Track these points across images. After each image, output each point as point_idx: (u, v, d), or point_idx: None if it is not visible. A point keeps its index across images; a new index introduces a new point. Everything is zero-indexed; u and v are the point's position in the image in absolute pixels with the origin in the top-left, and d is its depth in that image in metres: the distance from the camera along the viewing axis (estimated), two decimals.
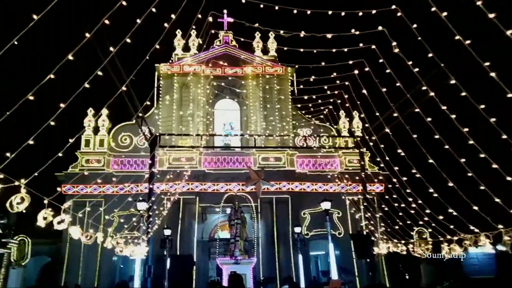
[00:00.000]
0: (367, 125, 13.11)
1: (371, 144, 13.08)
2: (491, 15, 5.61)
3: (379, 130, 12.59)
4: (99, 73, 5.97)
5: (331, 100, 17.22)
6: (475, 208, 8.53)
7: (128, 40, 6.15)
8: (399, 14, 7.05)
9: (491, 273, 18.69)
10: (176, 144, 21.63)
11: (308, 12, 8.09)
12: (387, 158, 12.16)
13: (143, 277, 14.47)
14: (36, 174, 5.26)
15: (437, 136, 8.38)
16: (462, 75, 6.94)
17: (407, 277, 23.69)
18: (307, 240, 22.15)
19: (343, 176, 22.34)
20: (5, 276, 20.58)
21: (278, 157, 23.01)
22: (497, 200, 7.46)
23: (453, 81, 6.80)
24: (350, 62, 10.51)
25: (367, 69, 10.08)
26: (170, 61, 24.60)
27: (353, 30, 8.74)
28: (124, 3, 5.58)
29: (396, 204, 13.28)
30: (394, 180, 12.40)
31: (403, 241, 13.94)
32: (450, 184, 9.33)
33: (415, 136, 9.58)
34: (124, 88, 8.00)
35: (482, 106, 6.54)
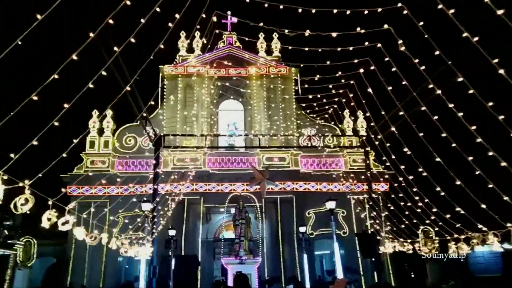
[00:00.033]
0: (372, 124, 13.02)
1: (376, 143, 12.96)
2: (500, 12, 5.52)
3: (384, 129, 12.51)
4: (103, 73, 5.95)
5: (336, 99, 17.12)
6: (483, 206, 8.43)
7: (133, 40, 6.12)
8: (405, 12, 6.97)
9: (498, 272, 18.53)
10: (180, 145, 21.65)
11: (313, 10, 8.02)
12: (393, 157, 12.06)
13: (148, 278, 14.48)
14: (40, 175, 5.24)
15: (444, 135, 8.29)
16: (470, 73, 6.85)
17: (412, 276, 23.58)
18: (312, 240, 22.10)
19: (349, 176, 22.25)
20: (11, 277, 20.70)
21: (282, 157, 22.97)
22: (505, 198, 7.36)
23: (460, 79, 6.71)
24: (356, 61, 10.43)
25: (372, 67, 10.00)
26: (174, 62, 24.65)
27: (358, 29, 8.66)
28: (128, 2, 5.56)
29: (402, 203, 13.17)
30: (400, 178, 12.29)
31: (409, 240, 13.84)
32: (457, 182, 9.24)
33: (421, 134, 9.47)
34: (128, 88, 7.96)
35: (490, 104, 6.45)
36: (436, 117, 8.44)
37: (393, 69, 8.75)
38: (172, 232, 18.79)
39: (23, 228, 21.31)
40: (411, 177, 11.57)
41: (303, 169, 23.15)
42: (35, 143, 4.97)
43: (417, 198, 11.85)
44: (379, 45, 9.07)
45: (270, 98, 24.14)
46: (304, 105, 20.79)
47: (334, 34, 8.76)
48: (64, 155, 5.87)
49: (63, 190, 6.47)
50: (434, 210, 11.68)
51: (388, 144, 12.20)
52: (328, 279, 22.59)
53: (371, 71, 10.29)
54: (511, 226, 7.98)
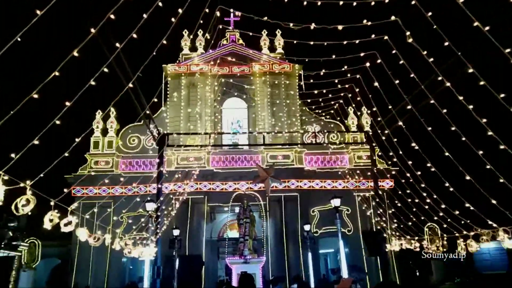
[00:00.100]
0: (379, 118, 12.82)
1: (383, 138, 12.76)
2: None
3: (390, 124, 12.34)
4: (105, 69, 5.85)
5: (342, 94, 16.93)
6: (494, 202, 8.26)
7: (135, 36, 6.01)
8: (413, 2, 6.81)
9: (503, 269, 18.36)
10: (184, 144, 21.58)
11: (319, 3, 7.87)
12: (400, 153, 11.88)
13: (152, 278, 14.41)
14: (42, 175, 5.14)
15: (453, 128, 8.12)
16: (481, 64, 6.69)
17: (417, 273, 23.42)
18: (316, 238, 21.96)
19: (355, 172, 22.11)
20: (16, 278, 20.74)
21: (287, 155, 22.84)
22: None
23: (470, 70, 6.54)
24: (362, 54, 10.26)
25: (379, 61, 9.82)
26: (177, 61, 24.58)
27: (364, 21, 8.48)
28: None
29: (409, 200, 13.00)
30: (408, 174, 12.12)
31: (416, 238, 13.67)
32: (466, 178, 9.07)
33: (429, 128, 9.30)
34: (131, 85, 7.86)
35: (502, 95, 6.28)
36: (445, 111, 8.27)
37: (401, 62, 8.57)
38: (176, 232, 18.72)
39: (28, 230, 21.35)
40: (418, 173, 11.37)
41: (308, 166, 23.03)
42: (36, 142, 4.87)
43: (424, 194, 11.67)
44: (386, 37, 8.89)
45: (274, 95, 24.02)
46: (309, 100, 20.61)
47: (340, 27, 8.59)
48: (66, 154, 5.77)
49: (65, 190, 6.35)
50: (441, 206, 11.53)
51: (395, 140, 12.02)
52: (332, 277, 22.48)
53: (377, 65, 10.11)
54: None
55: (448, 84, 7.34)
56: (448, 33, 6.82)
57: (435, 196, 11.22)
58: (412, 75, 8.55)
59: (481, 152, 7.81)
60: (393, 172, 19.87)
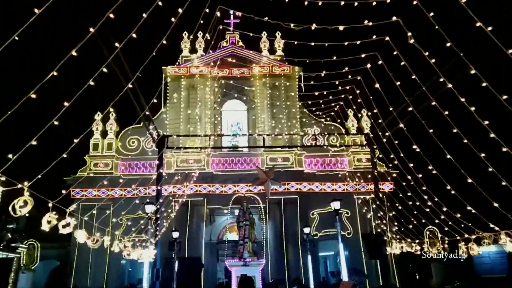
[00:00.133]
0: (380, 120, 12.74)
1: (384, 140, 12.69)
2: None
3: (391, 126, 12.28)
4: (104, 69, 5.80)
5: (342, 96, 16.87)
6: (496, 205, 8.19)
7: (134, 35, 5.97)
8: (414, 2, 6.76)
9: (503, 272, 18.28)
10: (183, 146, 21.54)
11: (320, 3, 7.82)
12: (401, 155, 11.81)
13: (151, 280, 14.32)
14: (39, 176, 5.09)
15: (455, 130, 8.06)
16: (483, 65, 6.64)
17: (417, 276, 23.34)
18: (316, 241, 21.90)
19: (355, 175, 22.06)
20: (15, 280, 20.63)
21: (286, 157, 22.81)
22: None
23: (473, 71, 6.49)
24: (363, 55, 10.20)
25: (380, 62, 9.77)
26: (177, 63, 24.58)
27: (366, 22, 8.42)
28: None
29: (410, 203, 12.92)
30: (409, 177, 12.04)
31: (417, 241, 13.59)
32: (467, 180, 9.01)
33: (431, 130, 9.24)
34: (130, 86, 7.81)
35: (505, 97, 6.23)
36: (446, 112, 8.22)
37: (402, 63, 8.51)
38: (175, 234, 18.65)
39: (27, 231, 21.25)
40: (420, 175, 11.30)
41: (307, 169, 22.99)
42: (34, 143, 4.81)
43: (426, 197, 11.60)
44: (387, 38, 8.84)
45: (274, 98, 24.02)
46: (309, 102, 20.56)
47: (341, 28, 8.55)
48: (65, 155, 5.72)
49: (63, 191, 6.29)
50: (442, 209, 11.46)
51: (396, 142, 11.95)
52: (332, 280, 22.39)
53: (378, 66, 10.05)
54: None
55: (450, 85, 7.29)
56: (450, 34, 6.78)
57: (436, 199, 11.14)
58: (413, 77, 8.49)
59: (483, 154, 7.74)
60: (394, 175, 19.80)
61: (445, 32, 6.74)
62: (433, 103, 8.26)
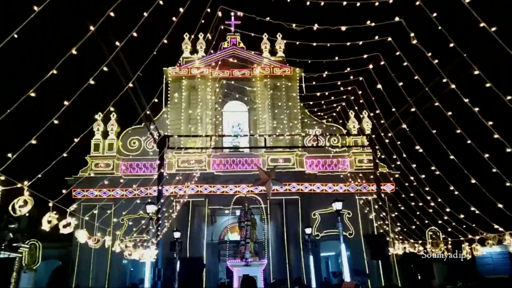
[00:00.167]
0: (382, 121, 12.67)
1: (387, 141, 12.62)
2: None
3: (392, 127, 12.20)
4: (105, 68, 5.78)
5: (344, 97, 16.82)
6: (500, 206, 8.13)
7: (135, 34, 5.95)
8: (417, 3, 6.71)
9: (506, 273, 18.19)
10: (185, 147, 21.53)
11: (322, 3, 7.77)
12: (404, 155, 11.75)
13: (153, 280, 14.31)
14: (39, 175, 5.07)
15: (458, 131, 7.99)
16: (487, 65, 6.57)
17: (419, 277, 23.26)
18: (318, 241, 21.85)
19: (357, 176, 22.03)
20: (17, 280, 20.69)
21: (287, 158, 22.77)
22: None
23: (476, 72, 6.43)
24: (365, 56, 10.14)
25: (382, 63, 9.70)
26: (178, 64, 24.58)
27: (368, 22, 8.36)
28: None
29: (413, 203, 12.86)
30: (412, 178, 11.98)
31: (420, 241, 13.53)
32: (470, 181, 8.94)
33: (434, 131, 9.18)
34: (131, 85, 7.79)
35: (509, 98, 6.17)
36: (450, 113, 8.15)
37: (404, 63, 8.46)
38: (177, 234, 18.64)
39: (29, 231, 21.29)
40: (423, 176, 11.24)
41: (308, 170, 22.95)
42: (33, 142, 4.79)
43: (429, 198, 11.53)
44: (389, 39, 8.78)
45: (275, 99, 24.00)
46: (311, 103, 20.53)
47: (343, 28, 8.49)
48: (65, 154, 5.70)
49: (64, 191, 6.27)
50: (445, 210, 11.39)
51: (399, 142, 11.89)
52: (334, 281, 22.31)
53: (380, 67, 9.99)
54: None
55: (453, 86, 7.23)
56: (453, 34, 6.72)
57: (439, 200, 11.08)
58: (416, 77, 8.43)
59: (487, 155, 7.67)
60: (397, 176, 19.75)
61: (448, 32, 6.68)
62: (436, 104, 8.19)
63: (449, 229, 11.13)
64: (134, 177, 21.04)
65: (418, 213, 13.02)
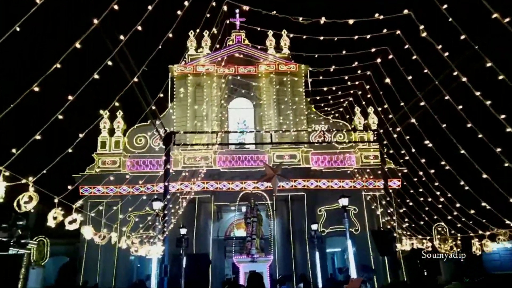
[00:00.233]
0: (390, 115, 12.49)
1: (395, 136, 12.45)
2: None
3: (400, 122, 12.05)
4: (109, 63, 5.73)
5: (351, 92, 16.63)
6: None
7: (139, 28, 5.88)
8: None
9: None
10: (191, 143, 21.54)
11: None
12: (413, 150, 11.59)
13: (159, 276, 14.36)
14: (45, 171, 5.05)
15: (469, 125, 7.83)
16: (499, 57, 6.40)
17: (425, 273, 23.13)
18: (324, 237, 21.81)
19: (364, 171, 21.91)
20: (25, 276, 20.90)
21: (293, 155, 22.70)
22: None
23: (489, 64, 6.27)
24: (373, 50, 9.96)
25: (390, 56, 9.52)
26: (183, 62, 24.58)
27: (376, 15, 8.20)
28: None
29: (422, 199, 12.71)
30: (420, 173, 11.82)
31: (428, 237, 13.40)
32: (479, 176, 8.78)
33: (444, 125, 9.02)
34: (136, 80, 7.75)
35: None
36: (460, 107, 7.99)
37: (414, 57, 8.29)
38: (183, 231, 18.68)
39: (37, 228, 21.48)
40: (432, 171, 11.08)
41: (314, 166, 22.86)
42: (38, 137, 4.77)
43: (438, 193, 11.38)
44: (398, 32, 8.61)
45: (280, 96, 23.92)
46: (318, 98, 20.38)
47: (351, 21, 8.34)
48: (70, 150, 5.68)
49: (69, 187, 6.27)
50: (454, 205, 11.23)
51: (408, 137, 11.72)
52: (339, 277, 22.26)
53: (388, 61, 9.81)
54: None
55: (464, 79, 7.07)
56: (464, 26, 6.55)
57: (448, 195, 10.92)
58: (425, 71, 8.25)
59: (499, 149, 7.50)
60: (405, 170, 19.57)
61: (459, 24, 6.51)
62: (446, 98, 8.03)
63: (459, 225, 10.97)
64: (140, 174, 21.13)
65: (426, 208, 12.87)
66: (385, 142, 15.73)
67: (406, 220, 15.09)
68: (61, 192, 5.77)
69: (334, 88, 16.03)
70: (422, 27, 7.53)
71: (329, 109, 22.77)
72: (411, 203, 14.13)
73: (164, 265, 14.09)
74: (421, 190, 12.64)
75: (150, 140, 23.47)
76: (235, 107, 24.96)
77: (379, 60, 10.51)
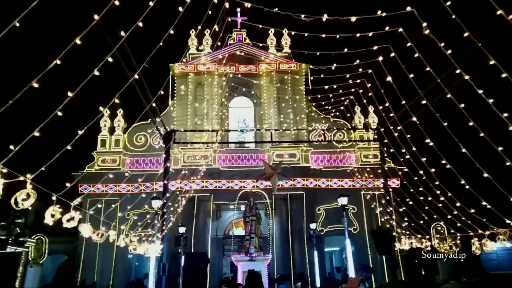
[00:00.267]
0: (391, 114, 12.47)
1: (396, 134, 12.42)
2: None
3: (401, 121, 12.01)
4: (110, 59, 5.68)
5: (352, 90, 16.58)
6: None
7: (140, 24, 5.82)
8: None
9: (511, 268, 18.03)
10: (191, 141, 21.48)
11: None
12: (414, 149, 11.56)
13: (157, 275, 14.31)
14: (43, 168, 4.99)
15: (471, 123, 7.80)
16: (503, 55, 6.36)
17: (423, 272, 23.16)
18: (322, 236, 21.82)
19: (364, 170, 21.91)
20: (23, 274, 20.83)
21: (293, 154, 22.69)
22: None
23: (492, 62, 6.23)
24: (375, 47, 9.91)
25: (392, 54, 9.48)
26: (184, 61, 24.52)
27: (379, 12, 8.14)
28: None
29: (422, 198, 12.69)
30: (421, 172, 11.80)
31: (427, 236, 13.39)
32: (478, 176, 8.77)
33: (445, 124, 8.98)
34: (136, 76, 7.69)
35: None
36: (462, 105, 7.96)
37: (416, 55, 8.24)
38: (182, 229, 18.65)
39: (35, 226, 21.40)
40: (433, 170, 11.05)
41: (314, 165, 22.85)
42: (37, 134, 4.71)
43: (438, 192, 11.35)
44: (400, 29, 8.57)
45: (281, 95, 23.92)
46: (319, 96, 20.32)
47: (353, 19, 8.29)
48: (69, 147, 5.62)
49: (67, 184, 6.22)
50: (451, 205, 11.23)
51: (408, 136, 11.69)
52: (337, 276, 22.28)
53: (390, 59, 9.75)
54: None
55: (467, 77, 7.03)
56: (468, 23, 6.50)
57: (448, 195, 10.90)
58: (427, 69, 8.21)
59: (500, 148, 7.47)
60: (406, 169, 19.60)
61: (463, 21, 6.46)
62: (448, 96, 8.00)
63: (459, 224, 10.96)
64: (140, 173, 21.06)
65: (426, 207, 12.85)
66: (385, 141, 15.71)
67: (406, 219, 15.07)
68: (60, 190, 5.73)
69: (335, 86, 15.97)
70: (425, 24, 7.49)
71: (330, 108, 22.76)
72: (410, 202, 14.10)
73: (163, 263, 14.02)
74: (421, 189, 12.62)
75: (150, 139, 23.42)
76: (236, 106, 24.94)
77: (380, 58, 10.47)
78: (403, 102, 10.65)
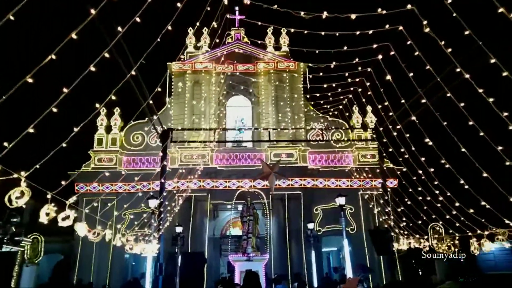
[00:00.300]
0: (390, 113, 12.44)
1: (395, 134, 12.39)
2: None
3: (400, 120, 11.99)
4: (106, 55, 5.59)
5: (352, 89, 16.52)
6: None
7: (138, 19, 5.74)
8: None
9: (508, 269, 18.08)
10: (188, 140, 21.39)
11: None
12: (413, 148, 11.54)
13: (154, 275, 14.22)
14: (37, 166, 4.90)
15: (471, 123, 7.77)
16: (504, 53, 6.33)
17: (420, 273, 23.18)
18: (320, 236, 21.79)
19: (363, 170, 21.90)
20: (19, 273, 20.66)
21: (290, 153, 22.64)
22: None
23: (493, 60, 6.20)
24: (374, 46, 9.87)
25: (392, 53, 9.43)
26: (182, 59, 24.41)
27: (379, 10, 8.09)
28: None
29: (420, 197, 12.67)
30: (420, 171, 11.78)
31: (425, 237, 13.38)
32: (476, 175, 8.76)
33: (445, 123, 8.96)
34: (133, 73, 7.60)
35: None
36: (462, 104, 7.93)
37: (416, 53, 8.21)
38: (179, 229, 18.56)
39: (31, 225, 21.24)
40: (432, 170, 11.03)
41: (311, 165, 22.81)
42: (31, 131, 4.62)
43: (437, 192, 11.33)
44: (400, 27, 8.53)
45: (278, 94, 23.85)
46: (317, 95, 20.27)
47: (353, 16, 8.24)
48: (64, 144, 5.53)
49: (63, 182, 6.13)
50: (449, 205, 11.21)
51: (407, 135, 11.66)
52: (334, 276, 22.27)
53: (389, 57, 9.70)
54: None
55: (467, 75, 6.99)
56: (469, 21, 6.46)
57: (448, 194, 10.88)
58: (427, 67, 8.18)
59: (500, 148, 7.45)
60: (404, 169, 19.62)
61: (463, 19, 6.42)
62: (448, 95, 7.97)
63: (457, 224, 10.94)
64: (136, 172, 20.94)
65: (425, 207, 12.83)
66: (384, 140, 15.70)
67: (404, 219, 15.05)
68: (55, 189, 5.65)
69: (334, 85, 15.91)
70: (425, 22, 7.45)
71: (328, 107, 22.71)
72: (409, 202, 14.09)
73: (159, 263, 13.96)
74: (420, 189, 12.60)
75: (147, 138, 23.30)
76: (233, 104, 24.86)
77: (380, 56, 10.43)
78: (402, 101, 10.61)
